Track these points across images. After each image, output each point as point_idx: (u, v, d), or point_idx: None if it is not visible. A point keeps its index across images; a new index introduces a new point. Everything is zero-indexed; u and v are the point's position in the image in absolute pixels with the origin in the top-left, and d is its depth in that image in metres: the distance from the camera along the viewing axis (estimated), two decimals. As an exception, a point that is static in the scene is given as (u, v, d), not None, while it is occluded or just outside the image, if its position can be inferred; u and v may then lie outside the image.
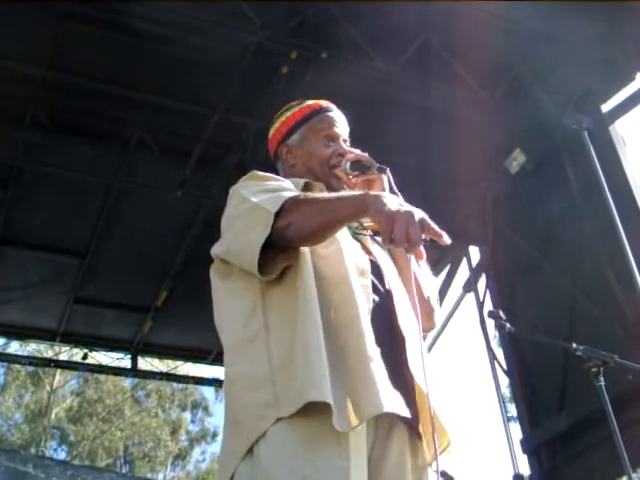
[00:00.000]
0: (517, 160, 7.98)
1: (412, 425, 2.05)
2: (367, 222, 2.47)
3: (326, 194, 2.12)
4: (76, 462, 24.90)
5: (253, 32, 6.99)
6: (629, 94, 7.48)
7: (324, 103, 2.64)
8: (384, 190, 2.44)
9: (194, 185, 8.06)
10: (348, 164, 2.47)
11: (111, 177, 8.32)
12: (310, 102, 2.63)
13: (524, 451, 7.99)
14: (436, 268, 10.23)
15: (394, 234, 1.83)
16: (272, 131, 2.65)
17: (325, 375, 1.87)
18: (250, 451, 1.92)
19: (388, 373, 1.99)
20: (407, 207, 1.90)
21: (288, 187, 2.23)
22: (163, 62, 7.36)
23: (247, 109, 7.66)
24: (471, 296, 9.46)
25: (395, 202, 1.91)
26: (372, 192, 2.00)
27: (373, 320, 2.06)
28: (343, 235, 2.23)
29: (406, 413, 1.94)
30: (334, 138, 2.56)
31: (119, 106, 7.71)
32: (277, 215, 2.03)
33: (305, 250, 2.13)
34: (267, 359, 2.00)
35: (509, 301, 8.49)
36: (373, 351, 1.98)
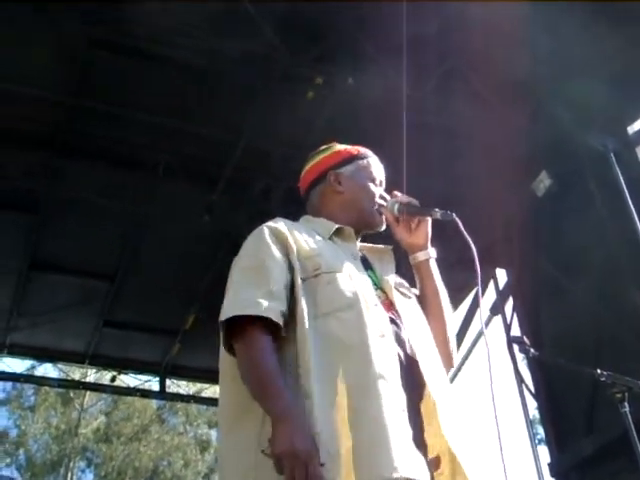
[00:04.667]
0: (544, 182, 7.95)
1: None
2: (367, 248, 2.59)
3: (270, 365, 2.13)
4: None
5: (279, 58, 7.07)
6: (656, 116, 7.46)
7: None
8: (428, 236, 2.64)
9: (221, 210, 8.11)
10: (397, 205, 2.61)
11: (138, 202, 8.41)
12: (360, 147, 2.82)
13: (552, 474, 7.93)
14: (464, 290, 10.21)
15: (285, 472, 1.90)
16: (319, 158, 2.77)
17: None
18: None
19: (412, 435, 2.08)
20: (298, 446, 1.92)
21: (276, 280, 2.29)
22: (190, 88, 7.45)
23: (272, 135, 7.72)
24: (499, 318, 9.44)
25: (288, 440, 1.93)
26: (284, 419, 1.99)
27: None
28: (364, 291, 2.32)
29: (425, 478, 2.04)
30: (380, 184, 2.74)
31: (147, 132, 7.80)
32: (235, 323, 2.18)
33: (313, 320, 2.21)
34: (259, 432, 2.08)
35: (536, 324, 8.46)
36: (392, 416, 2.05)
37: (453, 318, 2.70)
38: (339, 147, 2.79)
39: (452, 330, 2.62)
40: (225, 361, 2.30)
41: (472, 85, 7.49)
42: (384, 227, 2.66)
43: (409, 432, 2.07)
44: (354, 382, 2.10)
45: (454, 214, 2.52)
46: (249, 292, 2.22)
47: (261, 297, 2.20)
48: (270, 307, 2.18)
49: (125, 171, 8.09)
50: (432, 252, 2.67)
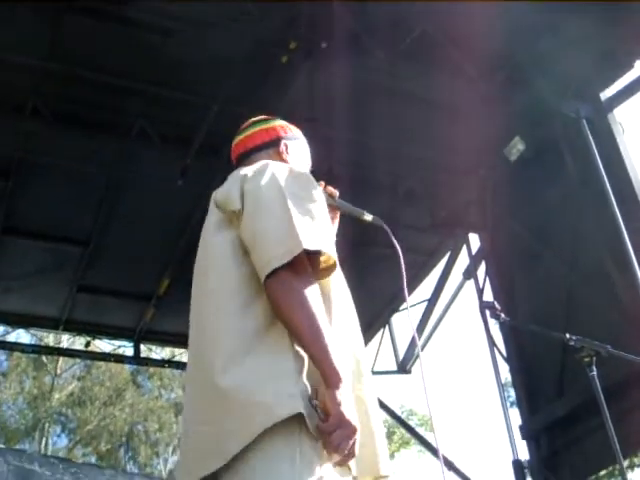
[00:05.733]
0: (516, 148, 7.99)
1: None
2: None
3: (323, 316, 2.09)
4: (79, 447, 25.05)
5: (252, 22, 7.03)
6: (628, 82, 7.50)
7: None
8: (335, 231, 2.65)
9: (195, 174, 8.10)
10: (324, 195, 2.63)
11: (112, 166, 8.38)
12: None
13: (523, 436, 8.05)
14: (436, 255, 10.29)
15: (333, 436, 1.91)
16: (270, 124, 2.78)
17: None
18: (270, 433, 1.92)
19: None
20: (355, 420, 1.96)
21: (327, 221, 2.31)
22: (163, 52, 7.38)
23: (246, 99, 7.69)
24: (471, 283, 9.52)
25: (351, 405, 1.98)
26: (343, 382, 1.99)
27: None
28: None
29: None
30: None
31: (119, 96, 7.74)
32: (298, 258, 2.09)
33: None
34: (292, 357, 2.04)
35: (508, 288, 8.54)
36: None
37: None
38: (282, 122, 2.81)
39: None
40: (247, 279, 2.19)
41: (447, 52, 7.49)
42: None
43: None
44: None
45: (383, 221, 2.60)
46: (322, 231, 2.20)
47: (330, 241, 2.23)
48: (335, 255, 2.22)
49: (99, 135, 8.02)
50: None
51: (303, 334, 2.01)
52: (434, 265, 10.45)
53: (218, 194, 2.38)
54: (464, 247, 9.83)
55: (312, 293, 2.08)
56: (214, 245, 2.28)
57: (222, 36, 7.20)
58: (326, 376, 1.96)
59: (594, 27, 7.11)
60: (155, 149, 8.08)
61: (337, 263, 2.21)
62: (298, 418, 1.91)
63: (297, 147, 2.74)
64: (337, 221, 2.67)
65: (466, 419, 41.14)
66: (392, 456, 26.00)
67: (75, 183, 8.57)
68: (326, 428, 1.90)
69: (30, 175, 8.43)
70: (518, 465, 7.92)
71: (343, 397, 1.94)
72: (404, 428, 14.79)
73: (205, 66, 7.47)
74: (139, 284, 10.40)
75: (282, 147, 2.68)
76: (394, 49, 7.30)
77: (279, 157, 2.64)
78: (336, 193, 2.64)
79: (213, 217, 2.35)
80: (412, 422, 24.06)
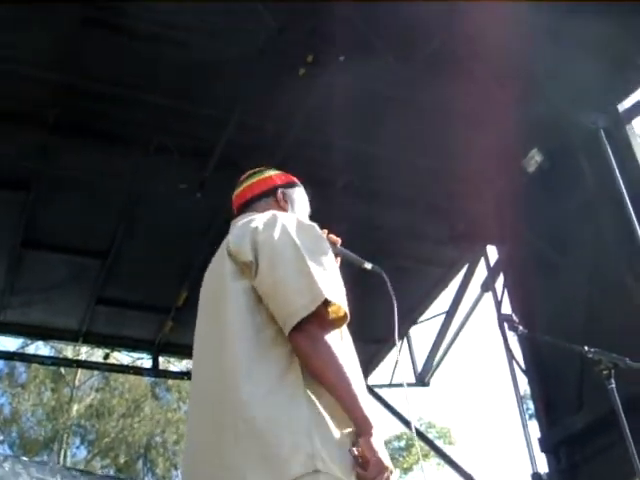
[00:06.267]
0: (535, 159, 7.98)
1: None
2: None
3: (349, 366, 2.20)
4: (98, 459, 25.08)
5: (269, 34, 7.06)
6: (646, 93, 7.48)
7: None
8: None
9: (213, 187, 8.13)
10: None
11: (131, 179, 8.42)
12: None
13: (542, 449, 8.00)
14: (454, 267, 10.26)
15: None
16: (266, 175, 2.93)
17: None
18: None
19: None
20: (389, 462, 2.06)
21: (337, 273, 2.40)
22: (180, 65, 7.42)
23: (264, 111, 7.72)
24: (489, 295, 9.48)
25: (383, 448, 2.08)
26: (374, 429, 2.10)
27: None
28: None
29: None
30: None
31: (138, 110, 7.78)
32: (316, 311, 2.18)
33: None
34: (306, 405, 2.11)
35: (527, 300, 8.49)
36: None
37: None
38: (277, 172, 2.95)
39: None
40: (262, 327, 2.27)
41: (463, 63, 7.49)
42: None
43: None
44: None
45: (382, 270, 2.69)
46: (335, 283, 2.30)
47: (342, 292, 2.30)
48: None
49: (117, 149, 8.08)
50: None
51: (336, 387, 2.11)
52: (452, 277, 10.43)
53: (231, 244, 2.45)
54: (482, 259, 9.81)
55: (337, 344, 2.20)
56: (230, 292, 2.36)
57: (239, 48, 7.22)
58: (360, 425, 2.08)
59: (611, 38, 7.09)
60: (173, 162, 8.10)
61: (348, 315, 2.29)
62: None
63: (294, 194, 2.86)
64: (337, 266, 2.73)
65: (485, 432, 40.94)
66: (411, 469, 25.91)
67: (95, 196, 8.63)
68: (368, 476, 2.00)
69: (50, 188, 8.49)
70: (537, 478, 7.89)
71: (377, 443, 2.05)
72: (422, 441, 14.73)
73: (222, 78, 7.50)
74: (157, 296, 10.42)
75: (279, 195, 2.82)
76: (410, 60, 7.31)
77: (277, 205, 2.78)
78: (338, 240, 2.71)
79: (227, 264, 2.43)
80: (431, 435, 23.97)
